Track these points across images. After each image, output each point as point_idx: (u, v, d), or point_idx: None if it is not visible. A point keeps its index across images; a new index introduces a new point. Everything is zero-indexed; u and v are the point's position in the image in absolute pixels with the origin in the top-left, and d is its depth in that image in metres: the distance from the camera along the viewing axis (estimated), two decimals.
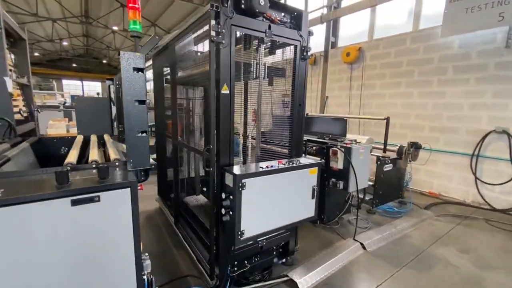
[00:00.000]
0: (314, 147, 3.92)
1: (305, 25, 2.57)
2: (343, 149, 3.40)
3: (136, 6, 1.80)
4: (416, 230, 3.96)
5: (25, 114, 3.80)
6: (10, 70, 3.40)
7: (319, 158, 3.78)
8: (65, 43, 20.96)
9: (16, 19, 14.86)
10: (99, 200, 1.58)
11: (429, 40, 5.62)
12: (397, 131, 6.26)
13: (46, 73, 23.89)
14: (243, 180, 2.02)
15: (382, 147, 4.46)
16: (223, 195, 2.14)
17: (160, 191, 4.51)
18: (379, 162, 4.01)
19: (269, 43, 2.65)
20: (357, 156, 3.40)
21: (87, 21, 16.21)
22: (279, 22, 2.41)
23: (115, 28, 16.39)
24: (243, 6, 2.14)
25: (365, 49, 6.91)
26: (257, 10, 2.15)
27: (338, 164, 3.44)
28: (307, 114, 6.10)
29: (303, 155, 2.97)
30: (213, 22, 1.97)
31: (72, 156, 2.13)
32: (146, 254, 2.14)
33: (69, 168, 1.83)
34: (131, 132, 1.87)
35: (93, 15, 15.96)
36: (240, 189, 2.01)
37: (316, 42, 8.68)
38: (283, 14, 2.47)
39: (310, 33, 2.62)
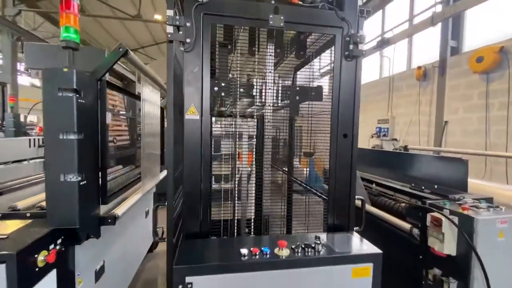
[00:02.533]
0: (403, 204, 2.40)
1: (353, 1, 1.48)
2: (454, 219, 1.80)
3: (71, 10, 1.34)
4: None
5: (124, 143, 4.30)
6: (114, 106, 3.92)
7: (409, 226, 2.23)
8: None
9: None
10: None
11: None
12: None
13: None
14: (189, 279, 1.08)
15: None
16: None
17: None
18: None
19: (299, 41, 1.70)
20: (491, 237, 1.72)
21: None
22: (299, 1, 1.45)
23: None
24: None
25: None
26: None
27: (444, 245, 1.84)
28: (405, 147, 4.33)
29: (359, 225, 1.66)
30: (170, 12, 1.27)
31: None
32: None
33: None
34: (51, 175, 1.33)
35: None
36: None
37: (424, 52, 6.67)
38: None
39: (363, 13, 1.49)
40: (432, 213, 1.93)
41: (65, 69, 1.33)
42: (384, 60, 8.19)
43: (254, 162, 1.67)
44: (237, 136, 1.57)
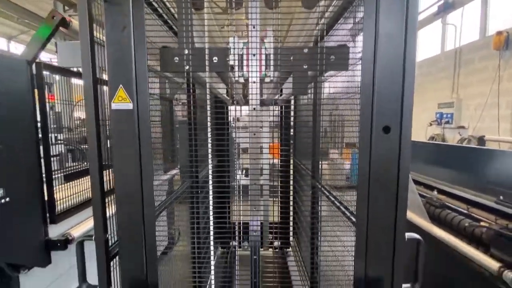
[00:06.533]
0: (485, 227, 1.61)
1: None
2: None
3: None
4: None
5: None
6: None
7: (497, 264, 1.45)
8: None
9: None
10: None
11: None
12: None
13: None
14: None
15: None
16: None
17: None
18: None
19: None
20: None
21: None
22: None
23: None
24: None
25: None
26: None
27: None
28: (480, 139, 3.29)
29: (413, 278, 1.00)
30: None
31: None
32: None
33: None
34: None
35: None
36: None
37: (504, 15, 5.16)
38: None
39: None
40: None
41: None
42: (448, 29, 6.67)
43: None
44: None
